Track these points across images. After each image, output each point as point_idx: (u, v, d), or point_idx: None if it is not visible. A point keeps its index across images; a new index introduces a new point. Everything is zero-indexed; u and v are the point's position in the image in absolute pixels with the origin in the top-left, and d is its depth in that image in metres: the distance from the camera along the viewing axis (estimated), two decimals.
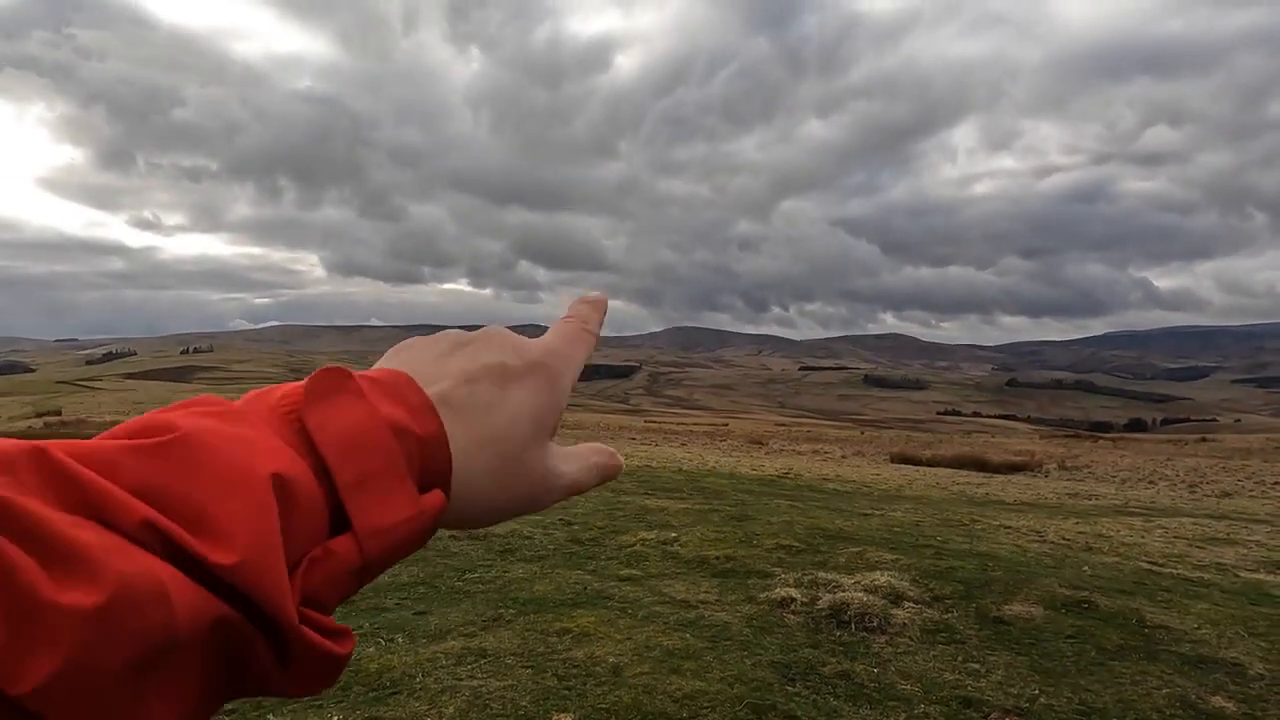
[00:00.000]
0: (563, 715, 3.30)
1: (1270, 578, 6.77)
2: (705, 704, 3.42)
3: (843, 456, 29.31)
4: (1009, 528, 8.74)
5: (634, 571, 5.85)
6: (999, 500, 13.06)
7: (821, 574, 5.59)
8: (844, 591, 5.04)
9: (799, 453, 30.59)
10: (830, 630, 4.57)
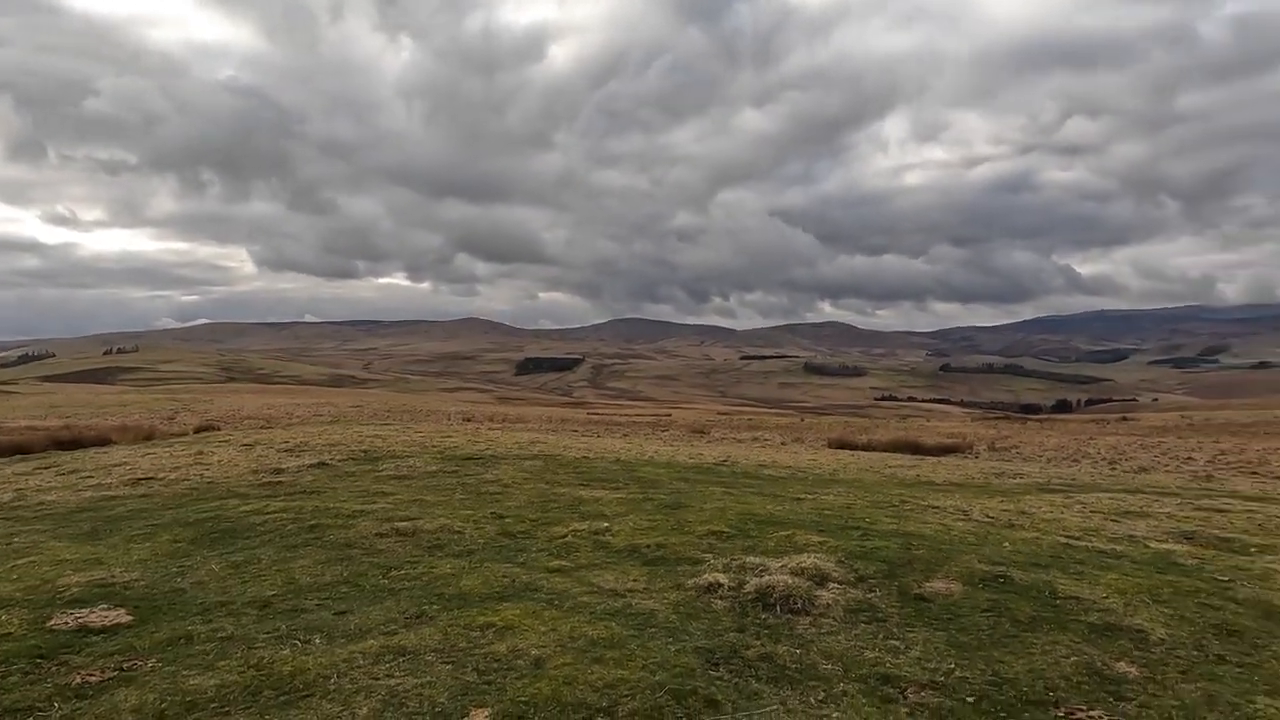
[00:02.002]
0: (480, 710, 3.24)
1: (1178, 547, 7.07)
2: (625, 692, 3.40)
3: (782, 443, 29.71)
4: (936, 508, 8.95)
5: (564, 563, 5.80)
6: (929, 481, 13.39)
7: (750, 558, 5.64)
8: (770, 575, 5.09)
9: (739, 440, 30.91)
10: (756, 613, 4.60)
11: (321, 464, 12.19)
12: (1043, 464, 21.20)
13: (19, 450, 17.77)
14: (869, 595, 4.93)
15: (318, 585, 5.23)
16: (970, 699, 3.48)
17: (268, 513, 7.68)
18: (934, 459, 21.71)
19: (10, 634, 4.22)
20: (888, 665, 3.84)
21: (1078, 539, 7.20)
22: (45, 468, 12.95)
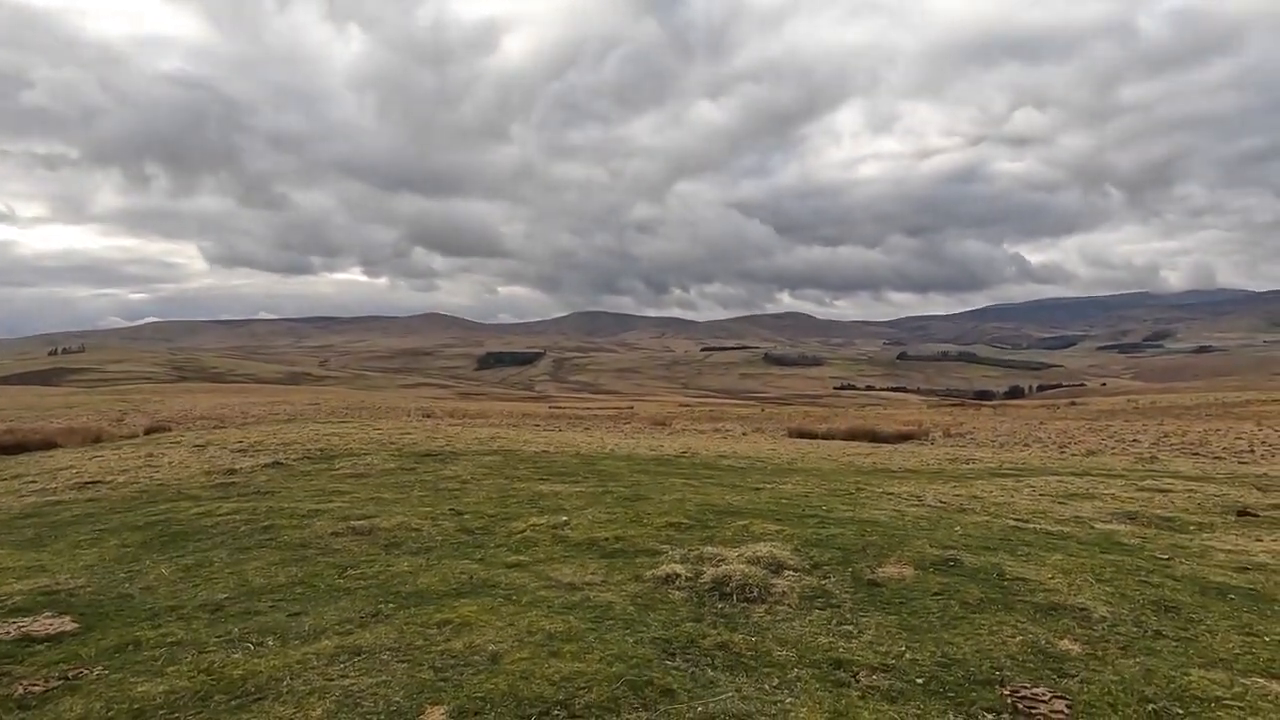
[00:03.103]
0: (436, 708, 3.23)
1: (1122, 527, 7.32)
2: (583, 684, 3.41)
3: (743, 434, 29.96)
4: (891, 494, 9.13)
5: (522, 558, 5.80)
6: (885, 468, 13.62)
7: (707, 549, 5.69)
8: (727, 564, 5.14)
9: (700, 432, 31.08)
10: (713, 603, 4.65)
11: (276, 463, 11.98)
12: (995, 449, 21.69)
13: None
14: (823, 582, 5.01)
15: (271, 587, 5.15)
16: (920, 680, 3.56)
17: (220, 514, 7.54)
18: (891, 446, 22.09)
19: None
20: (840, 650, 3.91)
21: (1026, 521, 7.40)
22: None
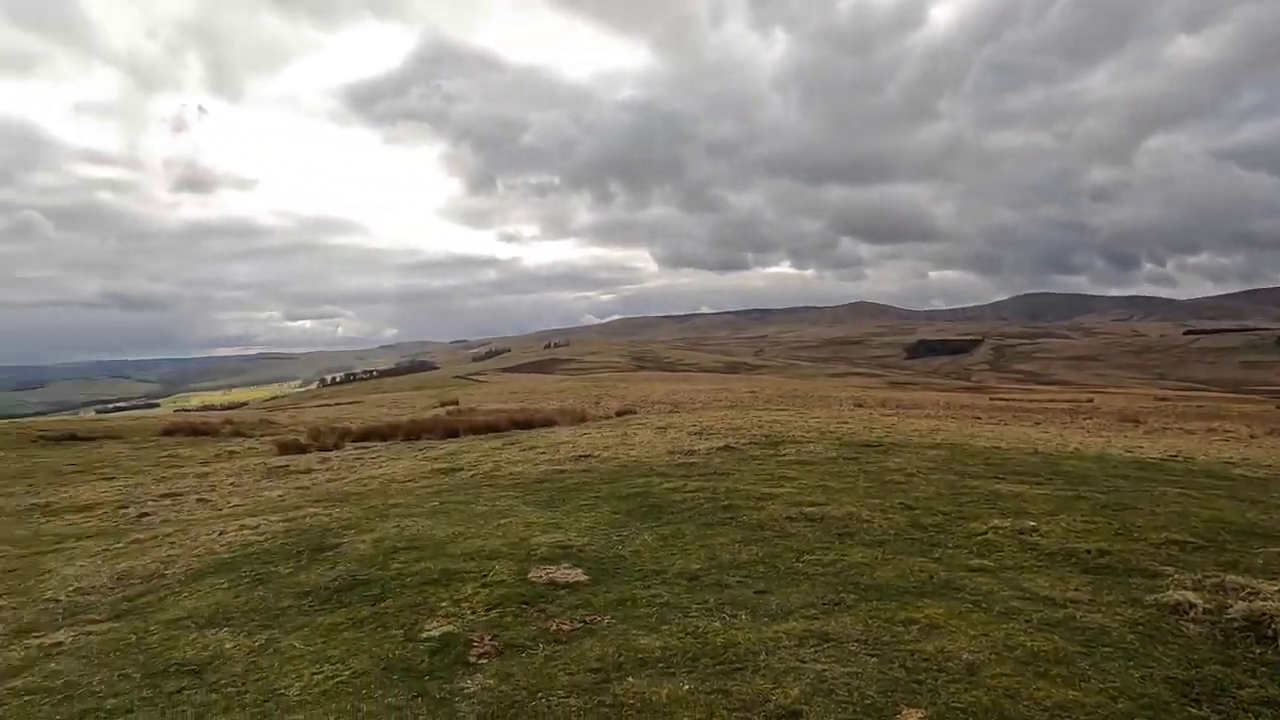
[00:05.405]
0: (912, 710, 3.12)
1: None
2: (1081, 718, 3.01)
3: (1251, 436, 24.29)
4: None
5: (985, 562, 5.38)
6: None
7: (1231, 577, 4.67)
8: (1264, 600, 4.15)
9: (1188, 431, 25.98)
10: (1246, 646, 3.79)
11: (727, 447, 12.93)
12: None
13: (490, 429, 21.85)
14: None
15: (736, 563, 5.53)
16: None
17: (686, 491, 8.35)
18: None
19: (503, 581, 5.15)
20: None
21: None
22: (510, 444, 15.66)
